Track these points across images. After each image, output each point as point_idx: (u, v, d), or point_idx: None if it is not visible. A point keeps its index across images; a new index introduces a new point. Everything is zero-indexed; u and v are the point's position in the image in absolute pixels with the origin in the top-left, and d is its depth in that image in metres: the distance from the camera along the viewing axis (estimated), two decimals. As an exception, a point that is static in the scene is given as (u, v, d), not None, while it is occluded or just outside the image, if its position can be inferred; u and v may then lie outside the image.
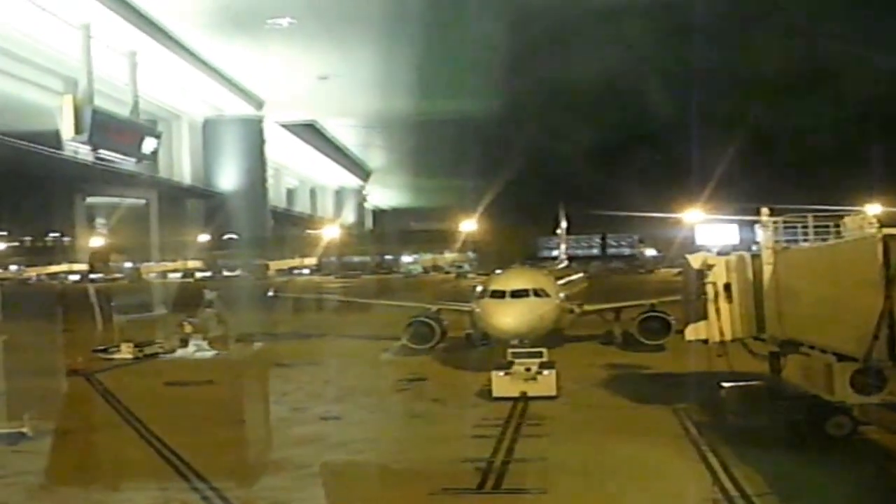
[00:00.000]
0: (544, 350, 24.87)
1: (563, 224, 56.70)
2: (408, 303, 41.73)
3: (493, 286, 29.59)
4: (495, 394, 23.97)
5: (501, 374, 24.06)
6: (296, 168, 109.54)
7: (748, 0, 48.12)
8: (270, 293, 52.40)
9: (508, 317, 27.51)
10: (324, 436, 20.82)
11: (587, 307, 36.70)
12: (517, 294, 28.45)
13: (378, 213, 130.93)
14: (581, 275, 45.62)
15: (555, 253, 60.43)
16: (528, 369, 23.85)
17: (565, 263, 51.59)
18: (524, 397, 23.54)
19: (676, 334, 28.98)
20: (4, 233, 69.55)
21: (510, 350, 25.01)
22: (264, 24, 56.76)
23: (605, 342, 35.92)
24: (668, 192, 63.04)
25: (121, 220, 78.29)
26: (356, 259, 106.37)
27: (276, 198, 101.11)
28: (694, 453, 17.81)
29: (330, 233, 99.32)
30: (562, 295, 32.24)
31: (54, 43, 54.75)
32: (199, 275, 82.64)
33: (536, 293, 28.84)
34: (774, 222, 20.25)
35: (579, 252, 59.72)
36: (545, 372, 23.90)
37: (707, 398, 21.18)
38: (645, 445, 18.39)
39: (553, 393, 23.83)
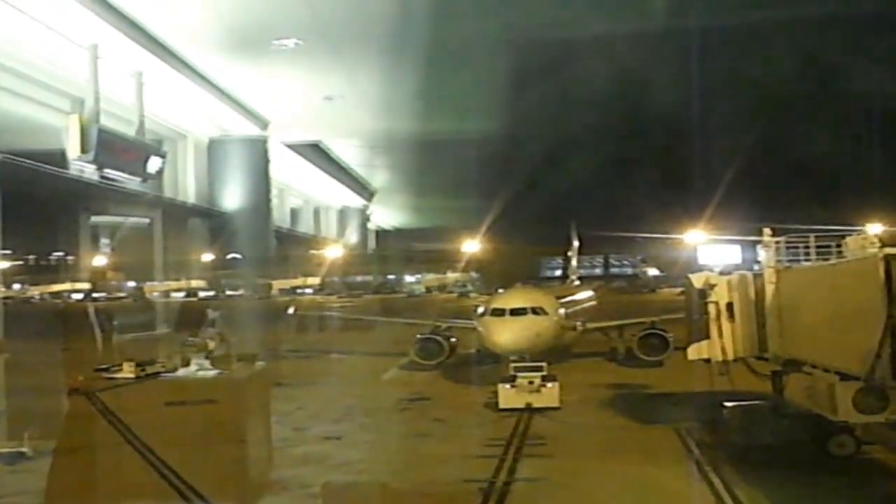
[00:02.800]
0: (544, 364, 25.57)
1: (575, 243, 56.69)
2: (413, 321, 41.97)
3: (494, 305, 30.65)
4: (501, 405, 24.69)
5: (507, 386, 24.88)
6: (300, 188, 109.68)
7: (749, 21, 48.24)
8: (290, 310, 52.92)
9: (507, 333, 28.44)
10: (325, 456, 20.76)
11: (590, 325, 37.15)
12: (516, 312, 29.40)
13: (381, 233, 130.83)
14: (590, 293, 45.57)
15: (558, 273, 60.40)
16: (531, 382, 24.62)
17: (577, 283, 51.73)
18: (528, 409, 24.17)
19: (676, 351, 29.32)
20: (9, 251, 69.55)
21: (512, 364, 25.79)
22: (270, 45, 57.05)
23: (609, 359, 36.15)
24: (670, 212, 63.08)
25: (125, 238, 78.35)
26: (359, 279, 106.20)
27: (280, 217, 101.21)
28: (696, 473, 17.71)
29: (333, 252, 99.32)
30: (562, 312, 32.58)
31: (62, 63, 55.08)
32: (202, 294, 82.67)
33: (535, 311, 29.75)
34: (776, 242, 20.25)
35: (582, 272, 59.51)
36: (548, 384, 24.73)
37: (710, 417, 21.12)
38: (647, 465, 18.31)
39: (556, 404, 24.49)
